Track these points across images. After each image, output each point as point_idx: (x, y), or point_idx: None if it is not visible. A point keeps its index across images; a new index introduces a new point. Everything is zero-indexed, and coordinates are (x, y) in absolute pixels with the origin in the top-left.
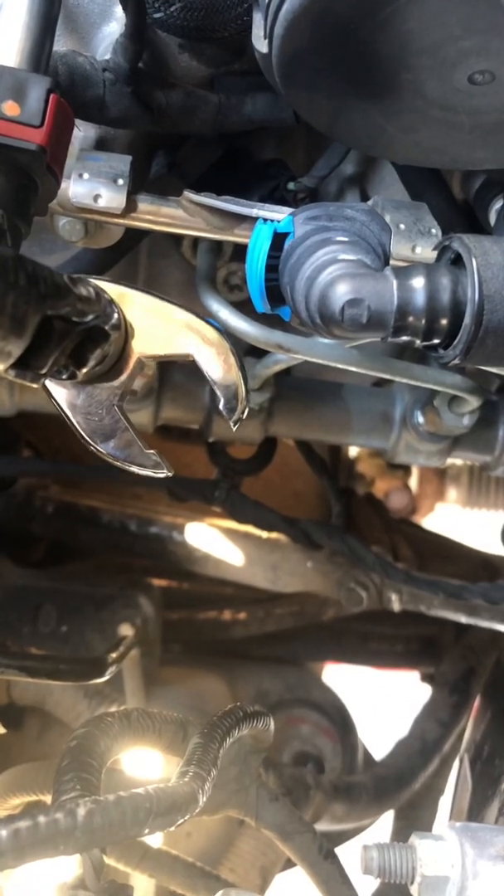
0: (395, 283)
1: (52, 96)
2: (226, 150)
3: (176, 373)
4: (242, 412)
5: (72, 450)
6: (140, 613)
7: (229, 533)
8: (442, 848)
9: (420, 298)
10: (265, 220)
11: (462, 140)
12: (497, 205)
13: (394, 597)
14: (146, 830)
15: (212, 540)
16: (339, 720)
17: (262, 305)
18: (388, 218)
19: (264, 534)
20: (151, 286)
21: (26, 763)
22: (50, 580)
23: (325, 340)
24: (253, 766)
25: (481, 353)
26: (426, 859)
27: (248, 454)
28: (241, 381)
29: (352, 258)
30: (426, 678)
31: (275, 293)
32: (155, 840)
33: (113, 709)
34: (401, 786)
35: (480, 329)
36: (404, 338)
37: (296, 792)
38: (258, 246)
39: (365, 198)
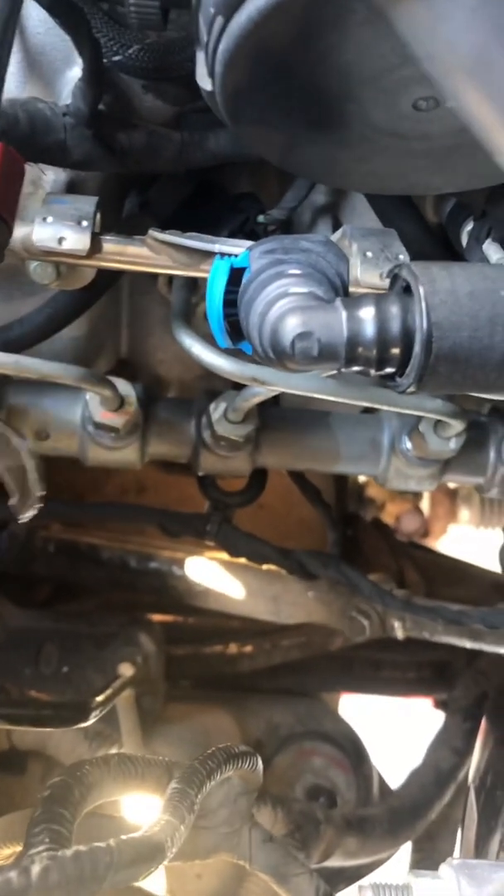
0: (344, 314)
1: None
2: (198, 186)
3: (161, 408)
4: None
5: (74, 488)
6: (140, 651)
7: (229, 566)
8: (438, 887)
9: (369, 329)
10: (223, 255)
11: (417, 166)
12: (468, 227)
13: (396, 624)
14: (106, 885)
15: (211, 573)
16: (352, 751)
17: (223, 341)
18: (355, 246)
19: (264, 565)
20: (135, 324)
21: (17, 811)
22: (51, 620)
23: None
24: (243, 807)
25: (434, 380)
26: None
27: (240, 486)
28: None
29: (303, 291)
30: (439, 705)
31: (236, 328)
32: (160, 885)
33: (113, 750)
34: (416, 817)
35: (431, 356)
36: (357, 368)
37: (306, 827)
38: (215, 282)
39: (337, 227)
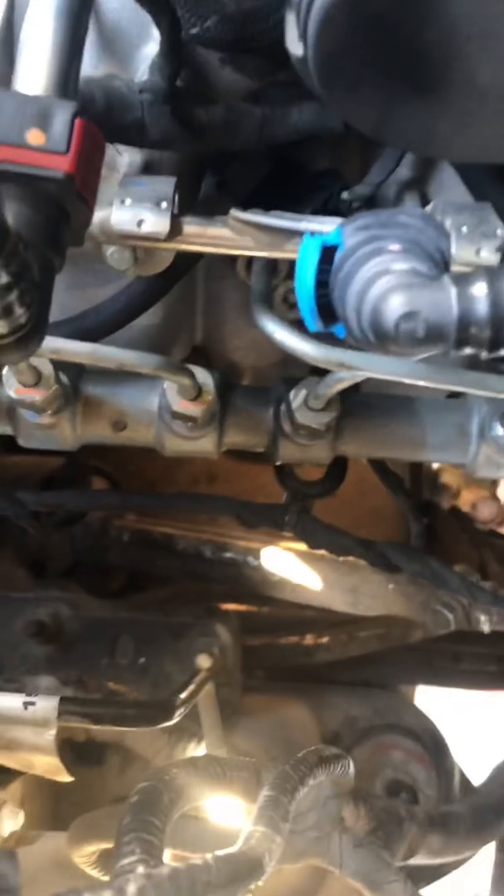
0: (453, 291)
1: (77, 121)
2: (277, 164)
3: (238, 397)
4: None
5: (146, 476)
6: (218, 642)
7: (305, 556)
8: None
9: (482, 307)
10: (313, 233)
11: None
12: None
13: (483, 617)
14: None
15: (287, 564)
16: (432, 745)
17: (313, 324)
18: (449, 221)
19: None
20: (210, 310)
21: (98, 809)
22: (127, 610)
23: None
24: (333, 811)
25: None
26: None
27: (319, 475)
28: None
29: (405, 267)
30: None
31: (327, 310)
32: None
33: (192, 744)
34: (500, 815)
35: None
36: (468, 350)
37: (389, 825)
38: (306, 261)
39: (425, 202)
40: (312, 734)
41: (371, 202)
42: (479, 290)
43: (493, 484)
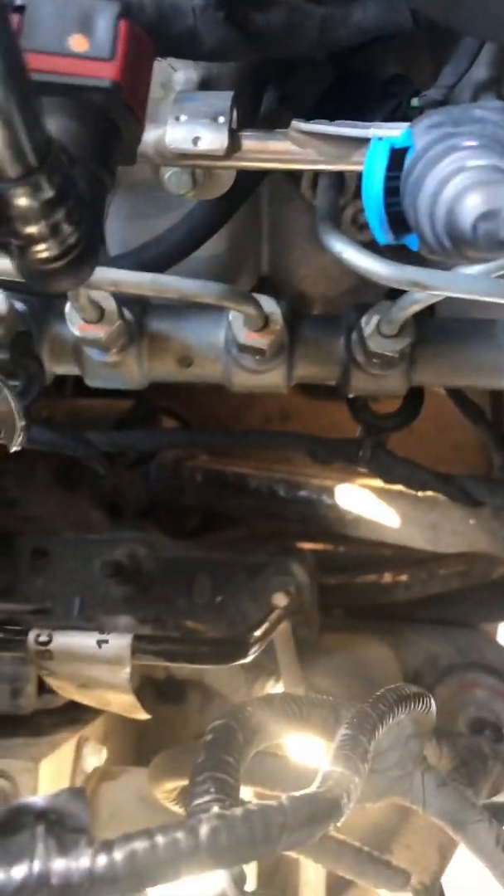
0: None
1: (122, 23)
2: (341, 74)
3: (307, 327)
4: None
5: (218, 416)
6: (294, 581)
7: (383, 493)
8: None
9: None
10: (381, 138)
11: None
12: None
13: None
14: (279, 848)
15: (364, 501)
16: None
17: (383, 235)
18: None
19: (420, 492)
20: (276, 237)
21: (177, 745)
22: (202, 550)
23: (468, 271)
24: (415, 750)
25: None
26: None
27: (394, 408)
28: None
29: (482, 164)
30: None
31: (398, 220)
32: None
33: (270, 682)
34: None
35: None
36: None
37: (472, 763)
38: (373, 166)
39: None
40: (393, 672)
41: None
42: None
43: None
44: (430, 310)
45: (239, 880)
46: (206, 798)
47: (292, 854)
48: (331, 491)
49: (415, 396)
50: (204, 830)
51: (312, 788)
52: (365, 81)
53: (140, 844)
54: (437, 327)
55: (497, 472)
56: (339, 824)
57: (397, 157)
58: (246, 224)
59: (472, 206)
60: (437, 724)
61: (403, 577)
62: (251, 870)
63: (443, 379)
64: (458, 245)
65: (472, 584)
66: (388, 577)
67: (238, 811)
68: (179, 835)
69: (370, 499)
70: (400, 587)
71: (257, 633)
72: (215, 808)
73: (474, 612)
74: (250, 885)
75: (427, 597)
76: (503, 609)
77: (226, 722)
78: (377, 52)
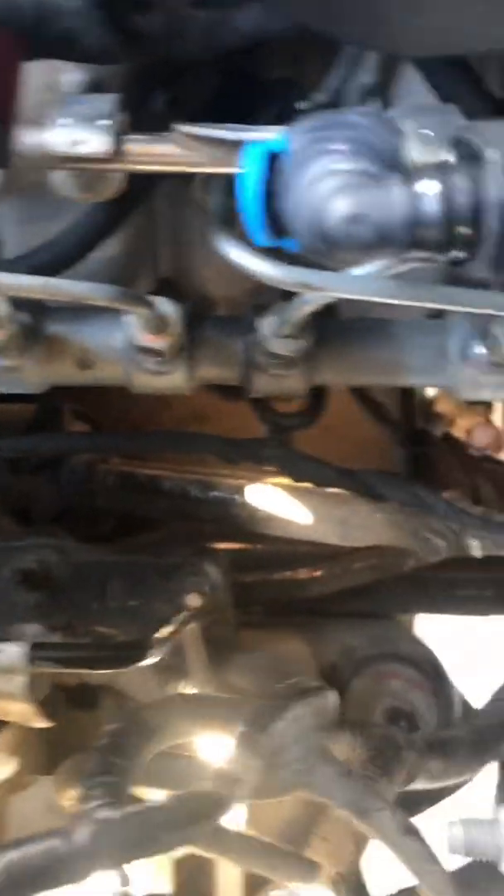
0: (403, 191)
1: None
2: (230, 75)
3: (208, 328)
4: None
5: (132, 418)
6: (208, 581)
7: (293, 490)
8: None
9: (434, 205)
10: (259, 141)
11: (475, 13)
12: None
13: (474, 543)
14: (161, 848)
15: (275, 499)
16: (431, 672)
17: (261, 238)
18: (411, 124)
19: (330, 488)
20: (174, 239)
21: (84, 751)
22: (116, 554)
23: (358, 272)
24: (317, 743)
25: None
26: None
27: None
28: None
29: (351, 168)
30: None
31: (277, 222)
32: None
33: (183, 683)
34: (500, 737)
35: None
36: (420, 254)
37: (387, 753)
38: (249, 169)
39: (388, 108)
40: (309, 666)
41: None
42: (430, 187)
43: (488, 409)
44: (332, 310)
45: (123, 881)
46: (95, 803)
47: (205, 853)
48: (243, 490)
49: (318, 395)
50: (82, 835)
51: (197, 787)
52: (253, 84)
53: (15, 854)
54: (337, 327)
55: (400, 467)
56: (243, 821)
57: (275, 160)
58: (142, 226)
59: (340, 208)
60: (353, 716)
61: (318, 573)
62: (166, 871)
63: (344, 378)
64: (329, 247)
65: (385, 576)
66: (303, 573)
67: (117, 813)
68: (56, 841)
69: (281, 496)
70: (315, 582)
71: (159, 634)
72: (98, 813)
73: (389, 604)
74: (166, 887)
75: (343, 591)
76: (417, 600)
77: (119, 726)
78: (266, 54)
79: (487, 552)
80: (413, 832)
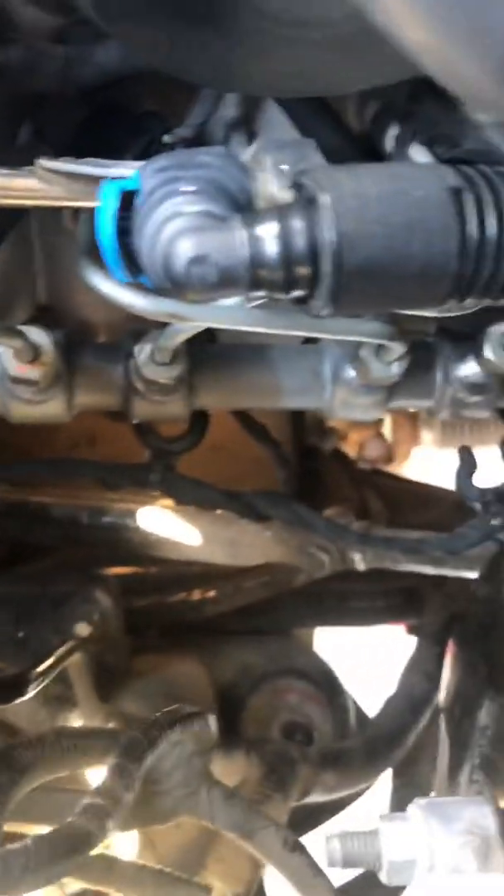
0: (243, 233)
1: None
2: (95, 109)
3: (85, 355)
4: None
5: (21, 444)
6: (98, 608)
7: (183, 513)
8: (407, 830)
9: (273, 247)
10: (115, 178)
11: (322, 60)
12: (393, 132)
13: (357, 556)
14: (25, 888)
15: (165, 522)
16: (326, 685)
17: (119, 273)
18: (269, 160)
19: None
20: (50, 266)
21: None
22: (6, 584)
23: (226, 302)
24: (198, 767)
25: (350, 298)
26: (391, 843)
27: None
28: None
29: (196, 209)
30: (412, 630)
31: (133, 259)
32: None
33: (73, 714)
34: (393, 746)
35: (342, 272)
36: (265, 293)
37: (281, 768)
38: (104, 207)
39: (253, 142)
40: (205, 688)
41: (197, 144)
42: (269, 230)
43: (378, 423)
44: (211, 337)
45: None
46: None
47: (92, 887)
48: (134, 514)
49: (199, 420)
50: None
51: (68, 820)
52: (119, 117)
53: None
54: (215, 353)
55: (281, 486)
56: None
57: (130, 198)
58: (16, 255)
59: (184, 250)
60: (251, 732)
61: (211, 593)
62: None
63: (223, 402)
64: (177, 286)
65: (278, 592)
66: (196, 594)
67: None
68: None
69: (171, 519)
70: (209, 603)
71: (39, 668)
72: None
73: (285, 620)
74: None
75: (238, 609)
76: (312, 615)
77: None
78: (133, 88)
79: (370, 565)
80: (297, 848)
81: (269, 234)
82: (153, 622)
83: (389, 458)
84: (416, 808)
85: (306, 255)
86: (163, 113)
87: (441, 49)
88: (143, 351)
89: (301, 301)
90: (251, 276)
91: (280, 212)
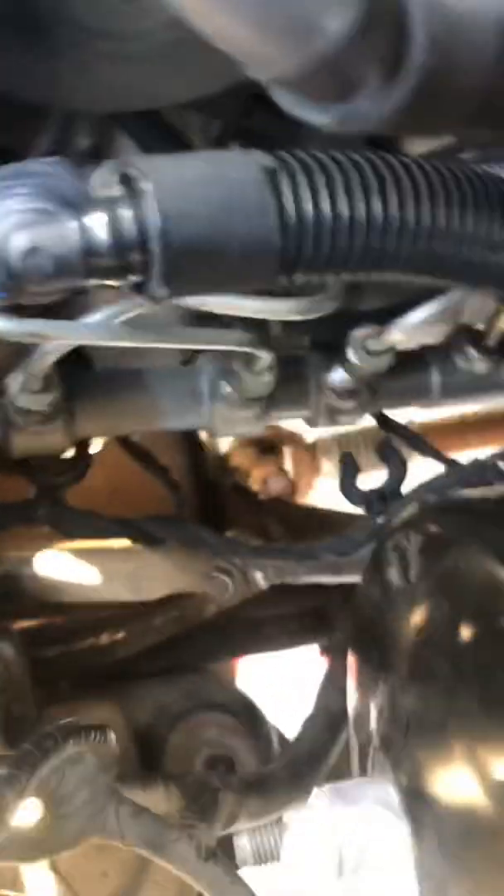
0: (75, 223)
1: None
2: None
3: None
4: None
5: None
6: (0, 661)
7: (80, 553)
8: (311, 815)
9: (103, 234)
10: None
11: (144, 72)
12: (234, 148)
13: (258, 575)
14: None
15: (62, 565)
16: (245, 715)
17: None
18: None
19: (117, 544)
20: None
21: None
22: None
23: (91, 319)
24: (104, 784)
25: (183, 279)
26: (299, 832)
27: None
28: None
29: (31, 207)
30: (325, 650)
31: None
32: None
33: None
34: (315, 764)
35: (170, 252)
36: (99, 281)
37: (202, 798)
38: None
39: None
40: (120, 733)
41: None
42: (98, 219)
43: (279, 458)
44: (86, 364)
45: None
46: None
47: None
48: (31, 561)
49: (83, 448)
50: None
51: None
52: None
53: None
54: (91, 379)
55: (175, 509)
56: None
57: None
58: None
59: (17, 244)
60: (170, 770)
61: (120, 635)
62: None
63: (105, 428)
64: (17, 283)
65: (188, 626)
66: (105, 638)
67: None
68: None
69: (69, 561)
70: (119, 645)
71: None
72: None
73: (198, 655)
74: None
75: (149, 649)
76: (224, 647)
77: None
78: None
79: (272, 581)
80: (213, 856)
81: (98, 223)
82: (64, 672)
83: (293, 492)
84: (319, 792)
85: (135, 239)
86: (8, 146)
87: (209, 12)
88: (16, 379)
89: (138, 287)
90: (86, 264)
91: (108, 201)
